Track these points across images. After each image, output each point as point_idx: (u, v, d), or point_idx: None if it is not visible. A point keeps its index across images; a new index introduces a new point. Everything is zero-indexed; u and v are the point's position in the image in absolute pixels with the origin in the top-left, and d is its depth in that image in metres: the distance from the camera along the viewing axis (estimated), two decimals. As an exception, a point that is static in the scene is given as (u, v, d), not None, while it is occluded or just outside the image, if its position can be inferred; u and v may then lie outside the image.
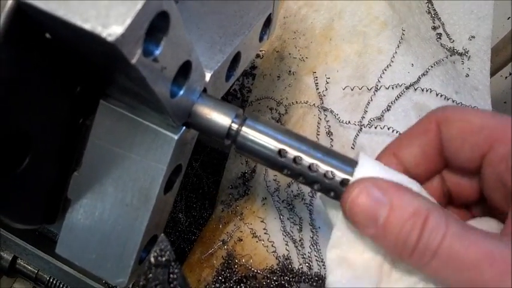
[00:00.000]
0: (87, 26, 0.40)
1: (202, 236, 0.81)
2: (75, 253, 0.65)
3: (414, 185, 0.51)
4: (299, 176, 0.55)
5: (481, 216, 0.55)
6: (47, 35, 0.50)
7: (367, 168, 0.52)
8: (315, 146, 0.55)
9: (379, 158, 0.57)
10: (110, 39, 0.40)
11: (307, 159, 0.54)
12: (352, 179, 0.52)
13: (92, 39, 0.41)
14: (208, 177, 0.97)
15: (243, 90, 0.97)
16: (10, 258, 1.00)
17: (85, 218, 0.64)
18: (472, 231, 0.44)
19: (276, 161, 0.55)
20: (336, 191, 0.53)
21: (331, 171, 0.53)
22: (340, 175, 0.53)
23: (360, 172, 0.51)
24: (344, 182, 0.53)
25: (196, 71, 0.55)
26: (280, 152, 0.55)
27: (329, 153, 0.54)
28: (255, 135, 0.56)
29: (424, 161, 0.54)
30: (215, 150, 0.99)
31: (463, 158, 0.52)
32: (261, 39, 0.71)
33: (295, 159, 0.54)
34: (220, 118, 0.58)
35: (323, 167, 0.53)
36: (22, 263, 1.00)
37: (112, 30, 0.40)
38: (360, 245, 0.51)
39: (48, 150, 0.60)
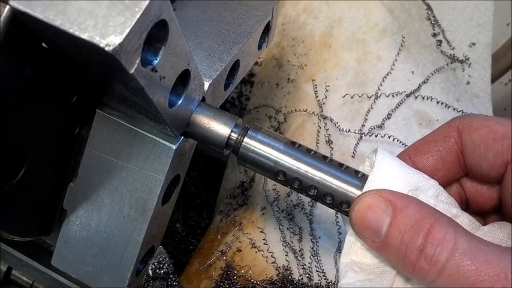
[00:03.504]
0: (85, 36, 0.39)
1: (200, 246, 0.80)
2: (71, 265, 0.64)
3: (432, 185, 0.51)
4: (308, 189, 0.53)
5: None
6: (43, 45, 0.49)
7: (385, 164, 0.51)
8: (317, 163, 0.53)
9: (404, 153, 0.56)
10: (108, 49, 0.39)
11: (305, 182, 0.53)
12: (357, 193, 0.51)
13: (90, 48, 0.40)
14: (206, 186, 0.96)
15: (241, 98, 0.96)
16: (5, 269, 0.98)
17: (81, 229, 0.63)
18: (484, 248, 0.42)
19: (278, 177, 0.54)
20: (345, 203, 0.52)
21: (330, 193, 0.52)
22: (340, 196, 0.52)
23: (378, 168, 0.50)
24: (344, 202, 0.52)
25: (195, 80, 0.54)
26: (278, 175, 0.54)
27: (332, 170, 0.53)
28: (257, 146, 0.54)
29: (443, 167, 0.54)
30: (213, 158, 0.98)
31: (485, 166, 0.51)
32: (259, 47, 0.70)
33: (292, 181, 0.54)
34: (219, 127, 0.57)
35: (321, 189, 0.52)
36: (17, 273, 0.98)
37: (110, 40, 0.39)
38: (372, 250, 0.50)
39: (43, 160, 0.59)
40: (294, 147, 0.54)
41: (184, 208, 0.99)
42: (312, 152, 0.54)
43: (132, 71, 0.42)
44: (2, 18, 0.43)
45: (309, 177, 0.53)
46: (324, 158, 0.53)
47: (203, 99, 0.59)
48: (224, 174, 0.88)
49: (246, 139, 0.55)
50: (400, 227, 0.45)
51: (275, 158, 0.54)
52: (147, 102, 0.48)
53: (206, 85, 0.59)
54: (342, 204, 0.52)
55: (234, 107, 0.95)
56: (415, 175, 0.51)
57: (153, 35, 0.43)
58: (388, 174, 0.50)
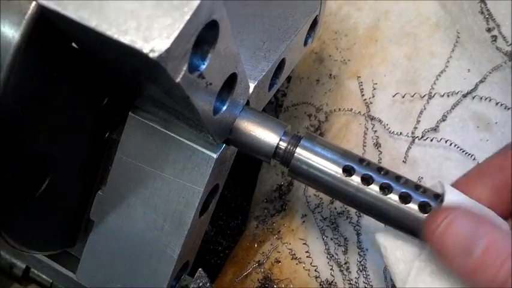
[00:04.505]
0: (125, 40, 0.33)
1: (234, 254, 0.74)
2: (98, 281, 0.59)
3: (503, 224, 0.45)
4: (371, 206, 0.48)
5: None
6: (73, 45, 0.43)
7: (455, 200, 0.45)
8: (384, 172, 0.48)
9: (459, 183, 0.50)
10: (153, 55, 0.33)
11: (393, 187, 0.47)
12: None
13: (130, 54, 0.34)
14: (239, 188, 0.90)
15: (277, 94, 0.89)
16: (23, 267, 0.94)
17: (109, 242, 0.57)
18: None
19: (336, 188, 0.48)
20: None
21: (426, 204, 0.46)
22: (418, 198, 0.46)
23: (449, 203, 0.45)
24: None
25: (241, 84, 0.48)
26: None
27: (417, 187, 0.47)
28: (311, 158, 0.49)
29: (498, 202, 0.47)
30: (247, 157, 0.92)
31: None
32: (305, 43, 0.64)
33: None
34: (266, 135, 0.51)
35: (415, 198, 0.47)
36: (36, 271, 0.94)
37: (155, 45, 0.33)
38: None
39: (70, 168, 0.53)
40: (354, 154, 0.49)
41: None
42: (383, 172, 0.48)
43: (178, 80, 0.36)
44: (27, 16, 0.37)
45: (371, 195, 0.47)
46: (398, 178, 0.47)
47: (247, 103, 0.53)
48: (259, 175, 0.82)
49: (299, 149, 0.49)
50: (497, 252, 0.40)
51: (334, 172, 0.48)
52: (191, 110, 0.42)
53: (251, 87, 0.53)
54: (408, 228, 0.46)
55: (269, 103, 0.89)
56: (489, 213, 0.45)
57: (202, 37, 0.37)
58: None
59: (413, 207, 0.47)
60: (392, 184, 0.48)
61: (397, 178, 0.48)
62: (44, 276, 0.95)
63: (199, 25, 0.35)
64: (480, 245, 0.41)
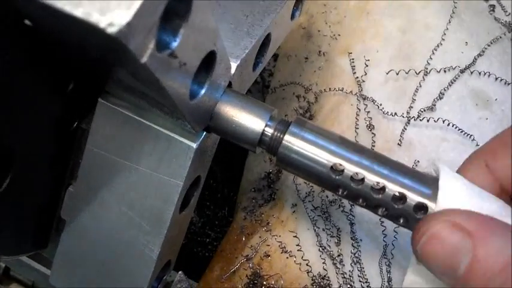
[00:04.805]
0: (78, 13, 0.28)
1: (221, 248, 0.69)
2: (73, 285, 0.53)
3: (509, 213, 0.40)
4: (358, 198, 0.43)
5: None
6: (27, 22, 0.37)
7: (451, 191, 0.40)
8: (380, 160, 0.43)
9: (464, 169, 0.45)
10: (111, 30, 0.27)
11: (370, 177, 0.42)
12: (430, 204, 0.40)
13: (86, 30, 0.28)
14: (225, 177, 0.85)
15: (264, 73, 0.84)
16: (3, 266, 0.90)
17: (83, 242, 0.52)
18: None
19: (328, 179, 0.43)
20: (406, 217, 0.42)
21: (402, 193, 0.41)
22: (413, 198, 0.41)
23: (442, 197, 0.40)
24: (418, 207, 0.41)
25: (221, 64, 0.42)
26: (335, 168, 0.43)
27: (399, 169, 0.42)
28: (301, 145, 0.44)
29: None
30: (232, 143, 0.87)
31: None
32: (292, 16, 0.59)
33: (352, 177, 0.42)
34: (250, 121, 0.46)
35: (391, 188, 0.42)
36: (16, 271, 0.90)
37: (114, 18, 0.27)
38: None
39: (35, 163, 0.48)
40: (348, 141, 0.44)
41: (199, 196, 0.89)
42: (370, 152, 0.43)
43: (144, 60, 0.30)
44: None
45: (373, 170, 0.43)
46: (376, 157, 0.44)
47: (229, 85, 0.48)
48: (246, 162, 0.77)
49: (287, 137, 0.44)
50: (486, 265, 0.36)
51: (326, 162, 0.43)
52: (163, 95, 0.37)
53: (233, 67, 0.48)
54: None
55: (255, 83, 0.83)
56: (489, 201, 0.40)
57: (171, 9, 0.31)
58: (455, 202, 0.40)
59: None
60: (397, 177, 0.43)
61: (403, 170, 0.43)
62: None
63: (167, -7, 0.29)
64: (464, 262, 0.37)
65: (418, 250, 0.40)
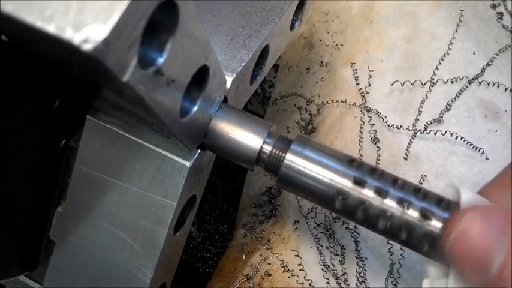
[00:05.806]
0: (50, 29, 0.25)
1: (221, 267, 0.67)
2: (63, 310, 0.51)
3: None
4: (375, 220, 0.40)
5: None
6: (3, 37, 0.35)
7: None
8: (395, 181, 0.40)
9: (484, 192, 0.42)
10: (86, 48, 0.25)
11: (388, 202, 0.40)
12: None
13: (60, 46, 0.26)
14: (223, 185, 0.83)
15: (264, 84, 0.81)
16: (-3, 283, 0.87)
17: (73, 265, 0.50)
18: None
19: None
20: (430, 241, 0.39)
21: (427, 211, 0.39)
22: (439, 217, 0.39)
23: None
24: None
25: (214, 78, 0.40)
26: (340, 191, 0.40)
27: (416, 190, 0.40)
28: (306, 165, 0.41)
29: None
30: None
31: None
32: (292, 27, 0.56)
33: (364, 200, 0.40)
34: (247, 138, 0.44)
35: (416, 204, 0.39)
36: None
37: (89, 33, 0.25)
38: None
39: (20, 183, 0.45)
40: (357, 160, 0.42)
41: (199, 210, 0.86)
42: (379, 171, 0.40)
43: (125, 78, 0.28)
44: None
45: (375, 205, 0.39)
46: (395, 181, 0.40)
47: (225, 100, 0.45)
48: (246, 176, 0.74)
49: (289, 155, 0.42)
50: None
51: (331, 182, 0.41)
52: (151, 114, 0.35)
53: (229, 82, 0.45)
54: (421, 243, 0.39)
55: (255, 94, 0.81)
56: None
57: (156, 22, 0.29)
58: None
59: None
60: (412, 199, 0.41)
61: (395, 180, 0.41)
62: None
63: (150, 5, 0.27)
64: (498, 258, 0.35)
65: (448, 244, 0.37)
